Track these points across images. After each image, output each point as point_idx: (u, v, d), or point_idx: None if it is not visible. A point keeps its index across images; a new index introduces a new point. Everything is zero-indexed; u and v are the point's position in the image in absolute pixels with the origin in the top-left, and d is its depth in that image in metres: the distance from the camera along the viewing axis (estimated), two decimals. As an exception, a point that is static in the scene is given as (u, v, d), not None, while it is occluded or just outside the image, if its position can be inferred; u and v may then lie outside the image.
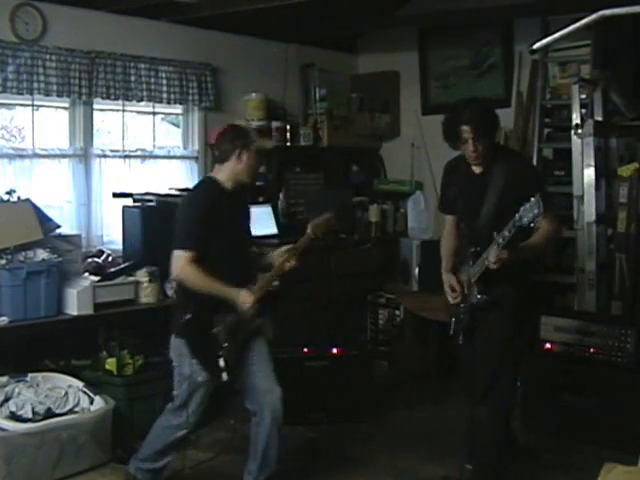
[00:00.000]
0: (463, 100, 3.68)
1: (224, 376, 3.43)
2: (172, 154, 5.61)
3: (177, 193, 5.01)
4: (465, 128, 3.46)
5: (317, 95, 6.44)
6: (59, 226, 4.48)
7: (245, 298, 3.42)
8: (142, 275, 4.55)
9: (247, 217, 3.72)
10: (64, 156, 5.00)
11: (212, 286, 3.40)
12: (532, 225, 3.29)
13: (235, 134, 3.58)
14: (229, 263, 3.47)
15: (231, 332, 3.45)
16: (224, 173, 3.54)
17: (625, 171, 4.86)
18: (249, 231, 3.75)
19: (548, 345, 4.65)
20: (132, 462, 3.69)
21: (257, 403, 3.55)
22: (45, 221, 4.36)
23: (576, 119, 5.07)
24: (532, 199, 3.20)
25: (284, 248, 3.64)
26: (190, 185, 4.96)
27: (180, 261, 3.42)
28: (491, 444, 3.72)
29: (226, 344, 3.43)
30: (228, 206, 3.51)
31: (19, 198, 4.34)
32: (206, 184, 3.65)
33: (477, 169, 3.66)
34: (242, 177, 3.54)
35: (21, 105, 4.87)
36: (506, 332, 3.66)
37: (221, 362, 3.42)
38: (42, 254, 4.21)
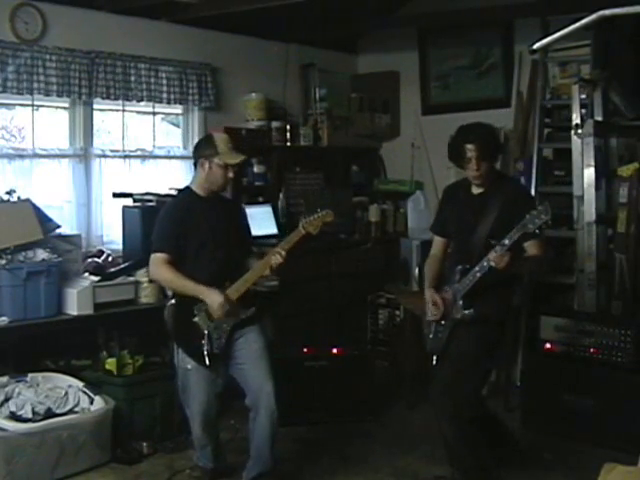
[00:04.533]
0: (469, 124, 3.75)
1: (207, 361, 3.55)
2: (172, 154, 5.60)
3: (177, 193, 5.00)
4: (470, 147, 3.58)
5: (317, 95, 6.44)
6: (59, 226, 4.49)
7: (214, 297, 3.51)
8: (142, 275, 4.54)
9: (230, 221, 3.73)
10: (64, 156, 4.99)
11: (185, 285, 3.55)
12: (537, 232, 3.43)
13: (202, 144, 3.73)
14: (205, 264, 3.58)
15: (212, 320, 3.56)
16: (196, 181, 3.71)
17: (625, 171, 4.85)
18: (237, 235, 3.74)
19: (548, 345, 4.66)
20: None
21: (252, 399, 3.65)
22: (45, 221, 4.36)
23: (576, 119, 5.07)
24: (539, 207, 3.40)
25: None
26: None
27: (154, 262, 3.60)
28: (462, 452, 3.71)
29: (207, 332, 3.55)
30: (202, 212, 3.63)
31: (19, 198, 4.33)
32: (181, 193, 3.85)
33: (476, 190, 3.75)
34: (208, 186, 3.65)
35: (21, 105, 4.86)
36: (478, 349, 3.67)
37: (204, 348, 3.52)
38: (42, 254, 4.21)
